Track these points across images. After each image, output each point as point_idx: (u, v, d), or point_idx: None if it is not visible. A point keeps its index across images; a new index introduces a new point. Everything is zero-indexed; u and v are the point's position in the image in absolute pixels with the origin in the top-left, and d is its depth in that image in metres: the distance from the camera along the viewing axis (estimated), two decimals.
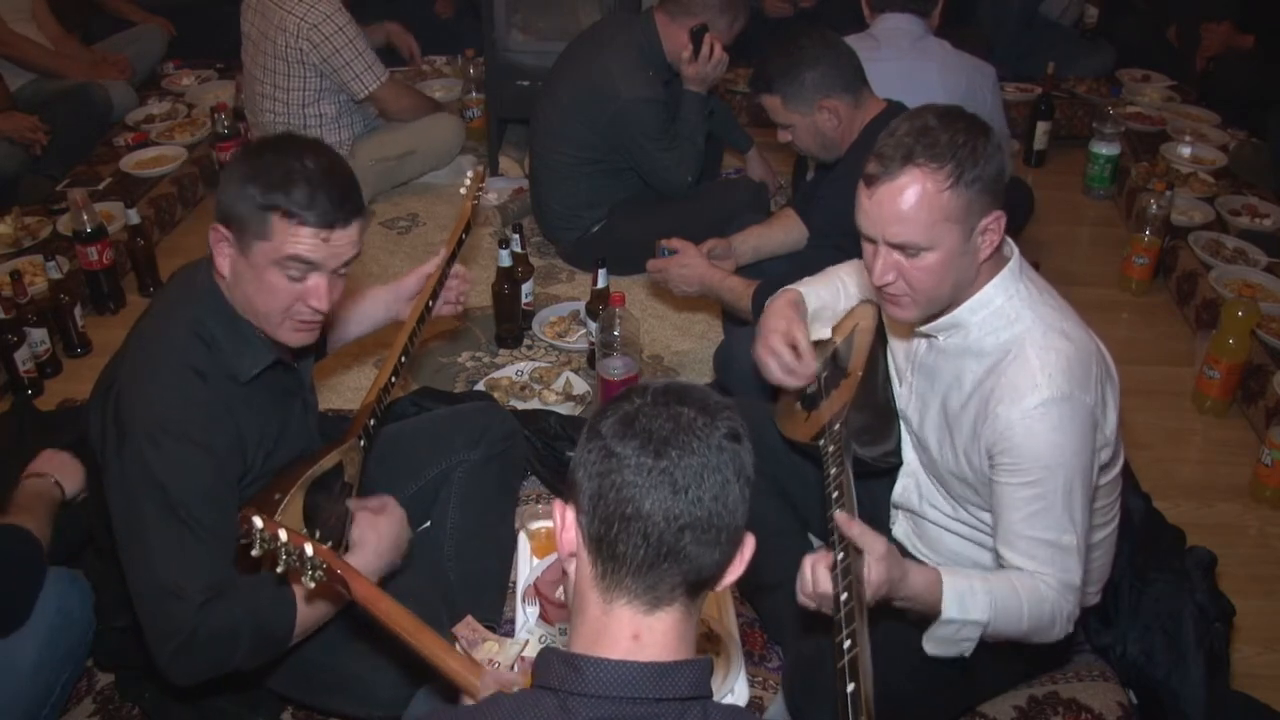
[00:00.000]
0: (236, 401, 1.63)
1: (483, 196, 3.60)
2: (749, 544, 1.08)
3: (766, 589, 1.98)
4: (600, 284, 2.76)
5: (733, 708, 1.07)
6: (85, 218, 2.93)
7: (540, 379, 2.74)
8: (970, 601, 1.45)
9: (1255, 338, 2.70)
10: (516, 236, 2.94)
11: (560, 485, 2.35)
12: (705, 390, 1.09)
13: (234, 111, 3.69)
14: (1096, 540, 1.71)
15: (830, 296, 1.95)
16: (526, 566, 2.04)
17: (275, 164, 1.54)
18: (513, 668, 1.84)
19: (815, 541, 2.07)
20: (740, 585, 2.04)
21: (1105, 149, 3.68)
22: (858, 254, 1.62)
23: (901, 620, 1.52)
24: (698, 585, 1.05)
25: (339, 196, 1.56)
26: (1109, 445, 1.57)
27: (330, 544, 1.62)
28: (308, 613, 1.61)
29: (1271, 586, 2.21)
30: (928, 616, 1.47)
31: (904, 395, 1.77)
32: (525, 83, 3.53)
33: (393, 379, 1.97)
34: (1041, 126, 3.87)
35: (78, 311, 2.90)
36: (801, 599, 1.42)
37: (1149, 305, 3.18)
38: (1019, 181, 3.36)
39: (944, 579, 1.45)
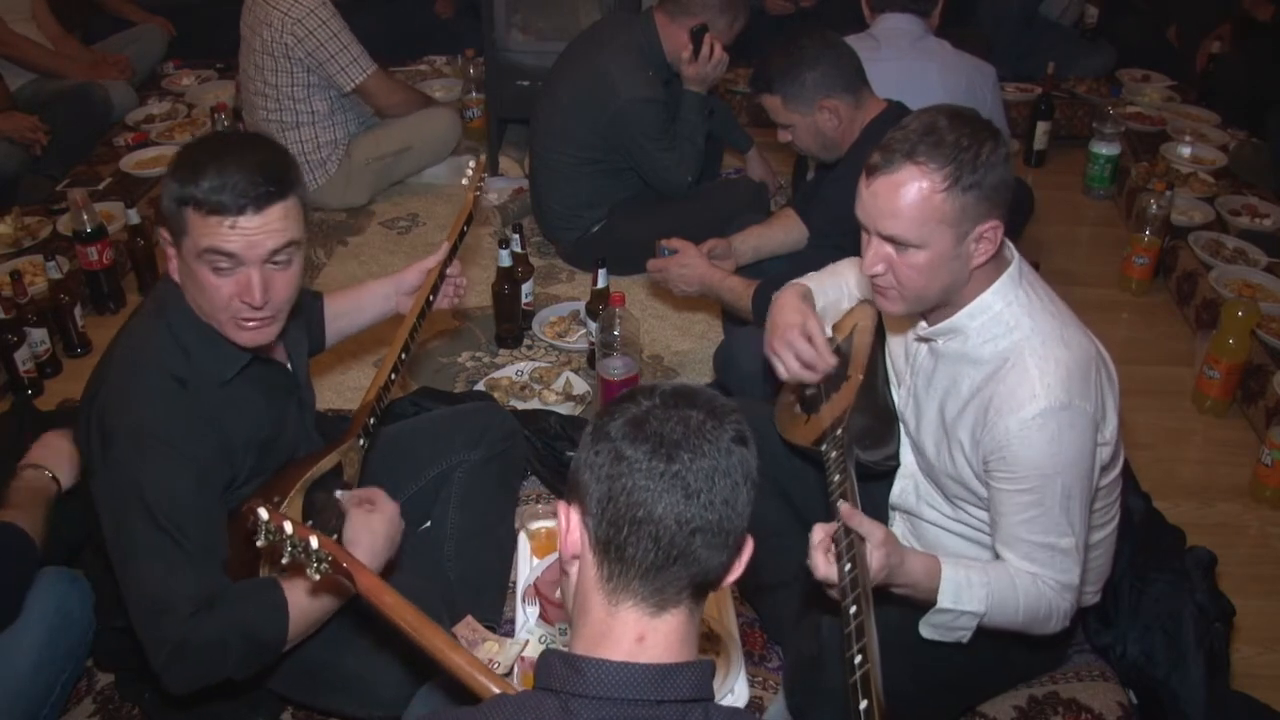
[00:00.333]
0: (221, 405, 1.61)
1: (483, 196, 3.63)
2: (748, 544, 1.09)
3: (766, 589, 1.99)
4: (600, 284, 2.76)
5: (734, 710, 1.07)
6: (85, 218, 2.93)
7: (540, 379, 2.74)
8: (966, 594, 1.47)
9: (1255, 338, 2.70)
10: (516, 236, 2.94)
11: (560, 485, 2.35)
12: (712, 393, 1.09)
13: (234, 111, 3.69)
14: (1096, 540, 1.71)
15: (835, 294, 1.96)
16: (526, 566, 2.04)
17: (193, 156, 1.49)
18: (512, 668, 1.85)
19: None
20: (740, 585, 2.04)
21: (1105, 149, 3.68)
22: (858, 253, 1.62)
23: (901, 608, 1.53)
24: (703, 587, 1.06)
25: (250, 181, 1.47)
26: (1109, 446, 1.57)
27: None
28: (303, 615, 1.60)
29: (1271, 586, 2.22)
30: (927, 603, 1.50)
31: (902, 398, 1.77)
32: (525, 83, 3.53)
33: (392, 376, 1.96)
34: (1041, 126, 3.87)
35: (78, 311, 2.90)
36: (820, 573, 1.43)
37: (1149, 305, 3.18)
38: (1019, 181, 3.35)
39: (943, 569, 1.47)
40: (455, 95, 4.14)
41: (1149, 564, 1.98)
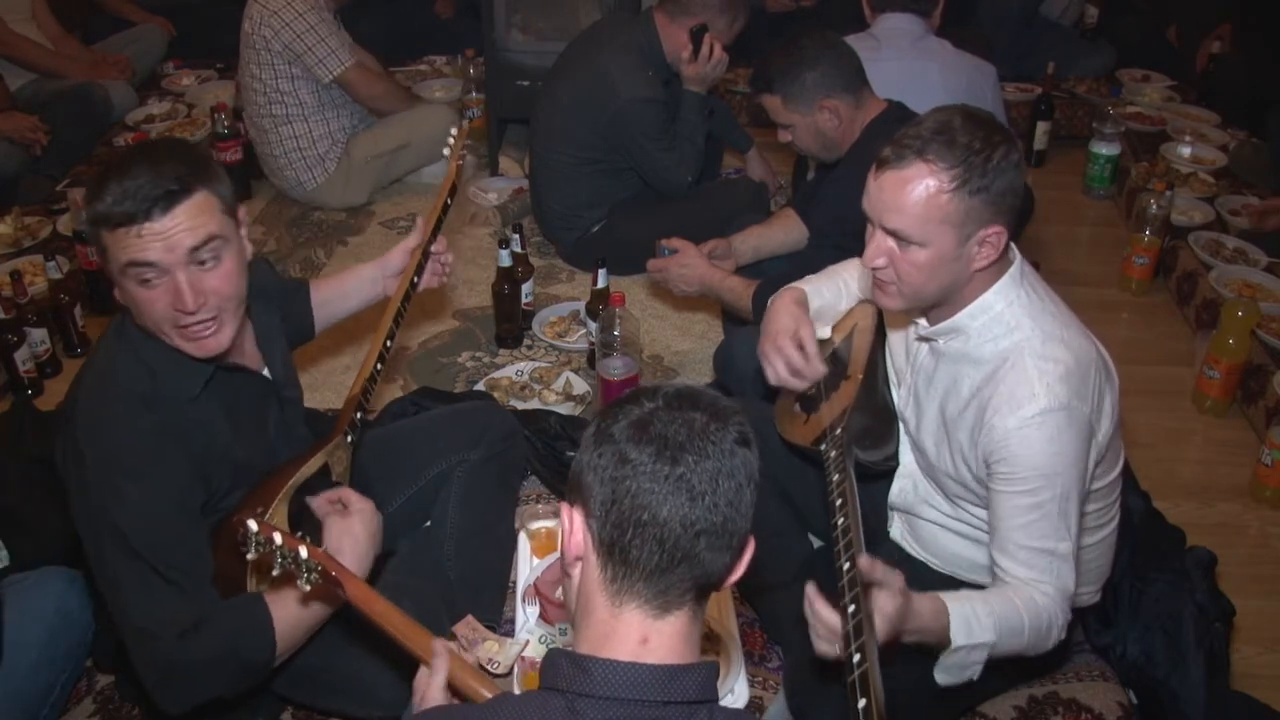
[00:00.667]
0: (192, 423, 1.58)
1: (482, 195, 3.64)
2: (750, 544, 1.08)
3: (766, 589, 1.98)
4: (600, 284, 2.76)
5: (738, 711, 1.07)
6: (85, 218, 2.93)
7: (540, 379, 2.74)
8: (976, 626, 1.44)
9: (1255, 338, 2.70)
10: (516, 236, 2.94)
11: (560, 485, 2.34)
12: (714, 394, 1.09)
13: (234, 111, 3.69)
14: (1095, 541, 1.71)
15: (833, 296, 1.95)
16: (526, 566, 2.04)
17: (98, 176, 1.45)
18: (512, 668, 1.85)
19: (815, 541, 2.07)
20: (740, 585, 2.03)
21: (1105, 149, 3.68)
22: (859, 253, 1.62)
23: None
24: (706, 588, 1.06)
25: (151, 183, 1.42)
26: (1100, 450, 1.57)
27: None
28: (290, 630, 1.59)
29: (1271, 586, 2.22)
30: (937, 647, 1.45)
31: (902, 397, 1.77)
32: (525, 83, 3.53)
33: (378, 366, 1.91)
34: (1041, 126, 3.87)
35: (78, 311, 2.90)
36: (821, 647, 1.34)
37: (1149, 305, 3.18)
38: None
39: (949, 607, 1.43)
40: (455, 95, 4.14)
41: (1149, 564, 1.98)
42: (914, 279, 1.52)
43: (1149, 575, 1.96)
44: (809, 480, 1.92)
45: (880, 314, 1.85)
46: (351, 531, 1.62)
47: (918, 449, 1.75)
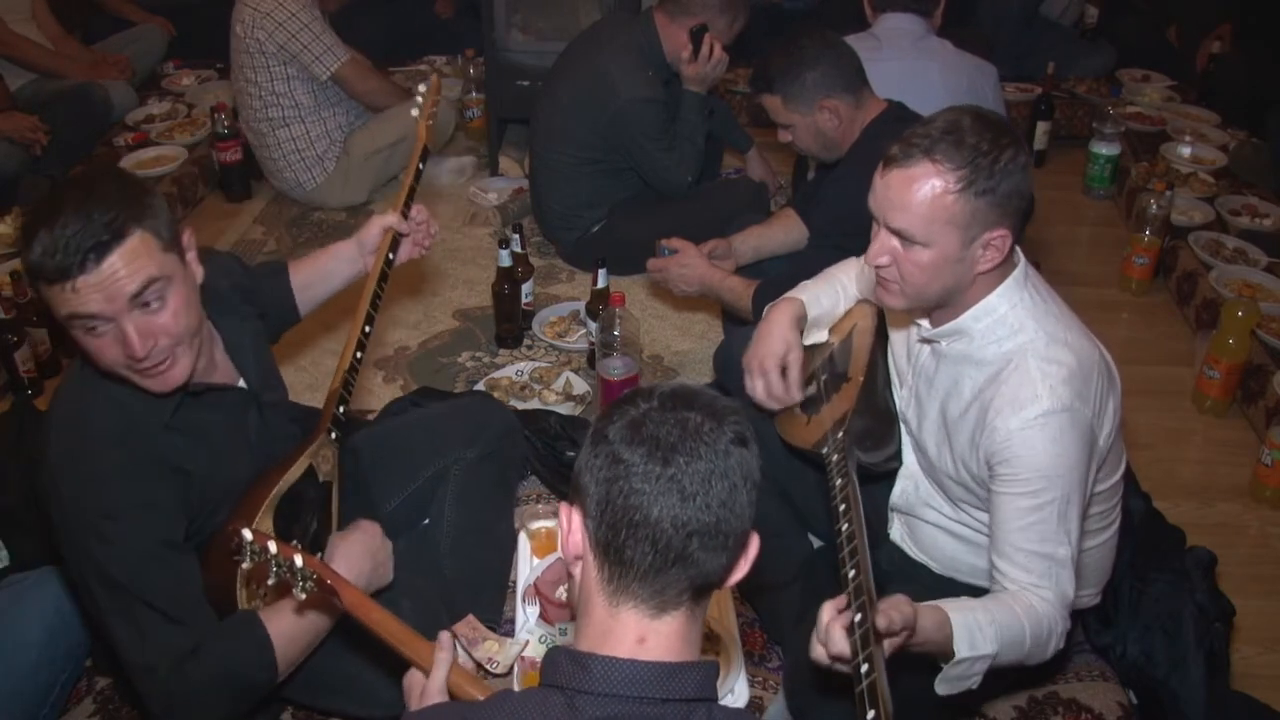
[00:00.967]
0: (167, 451, 1.55)
1: (482, 195, 3.63)
2: (754, 544, 1.08)
3: (766, 589, 1.98)
4: (600, 284, 2.76)
5: (737, 711, 1.07)
6: None
7: (540, 379, 2.74)
8: (978, 636, 1.43)
9: (1255, 338, 2.70)
10: (516, 236, 2.94)
11: (560, 485, 2.34)
12: (712, 394, 1.09)
13: (233, 111, 3.69)
14: (1096, 544, 1.71)
15: (830, 302, 1.95)
16: (526, 566, 2.04)
17: (29, 220, 1.39)
18: (512, 667, 1.85)
19: (815, 541, 2.07)
20: (740, 585, 2.03)
21: (1105, 149, 3.68)
22: (859, 253, 1.62)
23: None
24: (704, 588, 1.06)
25: (78, 234, 1.35)
26: (1101, 454, 1.57)
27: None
28: (291, 645, 1.59)
29: (1271, 586, 2.21)
30: (940, 656, 1.44)
31: (904, 398, 1.76)
32: (525, 83, 3.53)
33: (358, 355, 1.87)
34: (1041, 126, 3.87)
35: None
36: (816, 653, 1.32)
37: (1149, 305, 3.18)
38: None
39: (951, 617, 1.41)
40: (455, 95, 4.14)
41: (1149, 564, 1.98)
42: (917, 279, 1.51)
43: (1149, 575, 1.96)
44: (809, 481, 1.92)
45: (881, 314, 1.85)
46: (348, 545, 1.64)
47: (919, 450, 1.74)
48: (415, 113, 2.18)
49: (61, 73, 3.91)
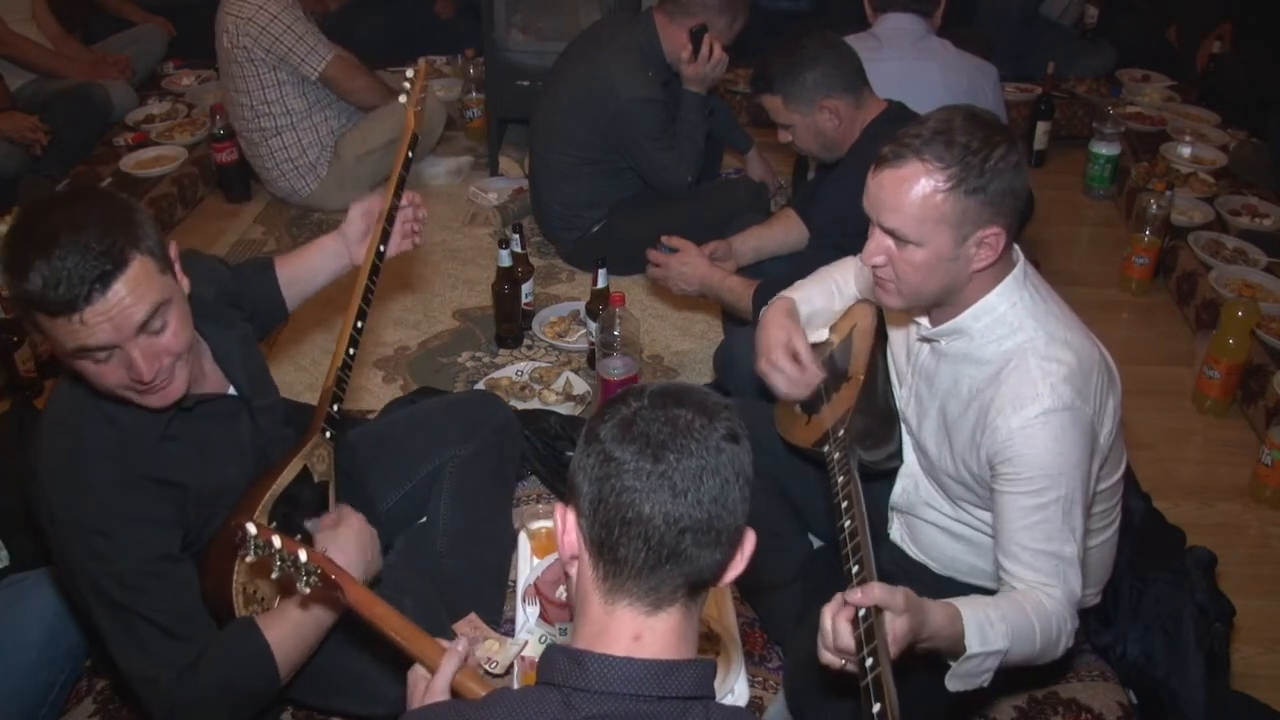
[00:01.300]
0: (160, 464, 1.53)
1: (482, 195, 3.63)
2: (749, 541, 1.09)
3: (766, 589, 1.98)
4: (600, 284, 2.76)
5: (734, 709, 1.08)
6: None
7: (540, 379, 2.74)
8: (990, 632, 1.42)
9: (1255, 338, 2.70)
10: (516, 236, 2.94)
11: (560, 485, 2.34)
12: (703, 391, 1.09)
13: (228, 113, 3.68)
14: (1097, 543, 1.71)
15: (824, 300, 1.95)
16: (526, 566, 2.04)
17: (14, 243, 1.34)
18: (511, 666, 1.85)
19: (815, 541, 2.07)
20: (740, 585, 2.04)
21: (1105, 149, 3.68)
22: (859, 253, 1.62)
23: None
24: (698, 585, 1.06)
25: (81, 265, 1.32)
26: (1102, 453, 1.57)
27: None
28: (291, 649, 1.59)
29: (1271, 586, 2.21)
30: (950, 654, 1.43)
31: (904, 397, 1.76)
32: (525, 83, 3.53)
33: (350, 352, 1.85)
34: (1041, 126, 3.87)
35: None
36: (825, 657, 1.32)
37: (1149, 305, 3.18)
38: None
39: (962, 613, 1.40)
40: (455, 95, 4.14)
41: (1149, 564, 1.98)
42: (912, 278, 1.52)
43: (1149, 575, 1.96)
44: (809, 480, 1.92)
45: (880, 314, 1.85)
46: (337, 539, 1.62)
47: (919, 449, 1.74)
48: (403, 99, 2.15)
49: (61, 73, 3.91)
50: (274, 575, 1.41)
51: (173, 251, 1.52)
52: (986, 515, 1.62)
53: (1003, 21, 4.26)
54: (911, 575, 1.79)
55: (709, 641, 1.78)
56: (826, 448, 1.69)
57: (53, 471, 1.50)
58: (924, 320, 1.63)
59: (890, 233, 1.50)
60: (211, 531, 1.63)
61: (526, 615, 1.94)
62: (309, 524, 1.69)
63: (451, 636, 1.78)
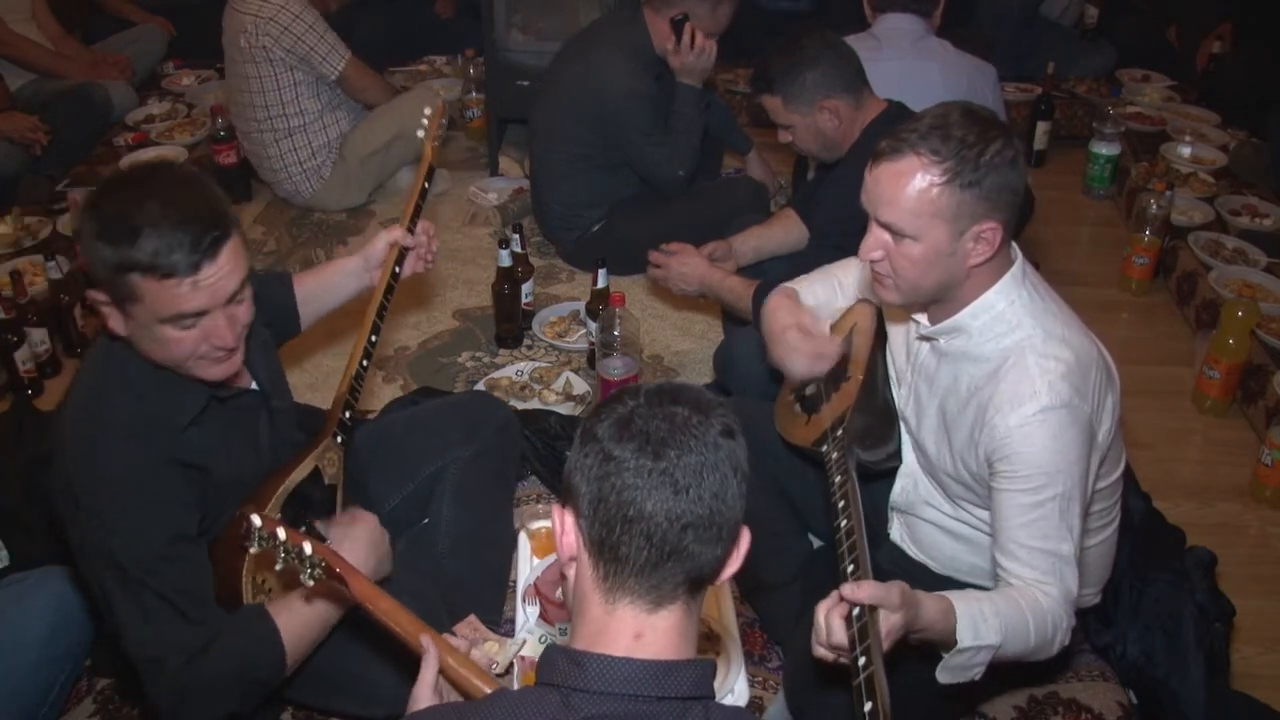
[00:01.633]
0: (184, 447, 1.56)
1: (482, 195, 3.63)
2: (745, 537, 1.09)
3: (766, 589, 1.99)
4: (600, 284, 2.76)
5: (734, 709, 1.08)
6: None
7: (540, 379, 2.74)
8: (982, 626, 1.43)
9: (1255, 338, 2.70)
10: (516, 236, 2.94)
11: (560, 485, 2.34)
12: (697, 389, 1.10)
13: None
14: (1096, 542, 1.71)
15: (826, 294, 1.96)
16: (526, 566, 2.04)
17: (115, 215, 1.40)
18: (511, 666, 1.85)
19: (815, 541, 2.07)
20: (740, 585, 2.04)
21: (1105, 149, 3.68)
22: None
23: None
24: (699, 582, 1.06)
25: (196, 230, 1.40)
26: (1100, 451, 1.57)
27: None
28: (299, 639, 1.59)
29: (1271, 586, 2.22)
30: (942, 645, 1.44)
31: (903, 396, 1.77)
32: (525, 83, 3.53)
33: (364, 364, 1.90)
34: (1041, 126, 3.87)
35: (78, 311, 2.89)
36: (819, 651, 1.35)
37: (1149, 305, 3.18)
38: None
39: (956, 607, 1.41)
40: (455, 95, 4.14)
41: (1149, 564, 1.99)
42: (909, 273, 1.52)
43: (1149, 575, 1.96)
44: (808, 480, 1.92)
45: (880, 314, 1.85)
46: (352, 534, 1.65)
47: (919, 448, 1.75)
48: (420, 134, 2.22)
49: (61, 73, 3.91)
50: (278, 567, 1.41)
51: None
52: (986, 514, 1.63)
53: (1003, 21, 4.26)
54: (911, 575, 1.78)
55: (709, 641, 1.78)
56: (824, 447, 1.69)
57: (77, 446, 1.52)
58: (923, 319, 1.64)
59: (887, 227, 1.51)
60: (225, 522, 1.64)
61: (526, 615, 1.94)
62: (320, 525, 1.71)
63: (433, 642, 1.78)
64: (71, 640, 1.82)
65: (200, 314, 1.46)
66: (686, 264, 2.54)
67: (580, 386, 2.70)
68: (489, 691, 1.27)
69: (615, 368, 2.44)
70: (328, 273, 2.05)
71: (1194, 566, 1.97)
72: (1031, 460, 1.48)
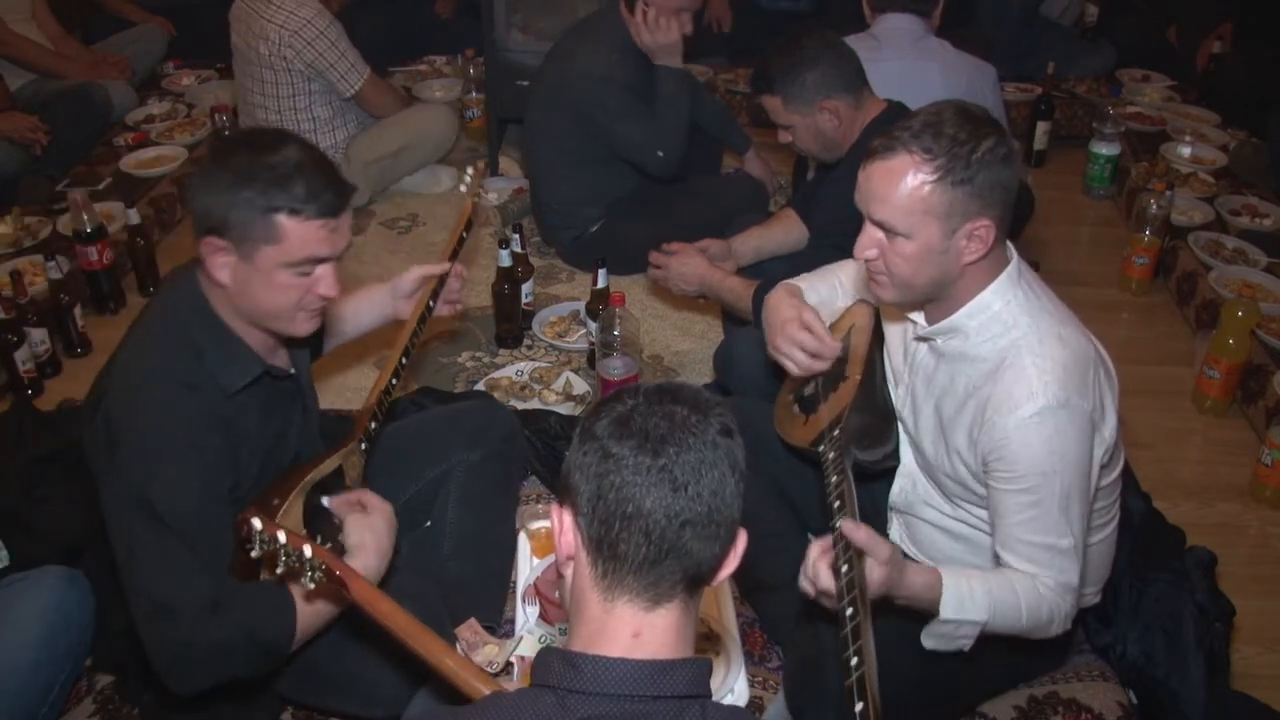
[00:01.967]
0: (228, 410, 1.61)
1: (483, 196, 3.63)
2: (742, 537, 1.09)
3: (766, 589, 1.98)
4: (600, 284, 2.76)
5: (731, 708, 1.08)
6: (85, 218, 2.93)
7: (540, 379, 2.74)
8: (969, 603, 1.46)
9: (1255, 338, 2.70)
10: (516, 236, 2.94)
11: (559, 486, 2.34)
12: (695, 388, 1.10)
13: (234, 111, 3.69)
14: (1096, 541, 1.71)
15: (828, 293, 1.96)
16: (526, 566, 2.05)
17: (262, 164, 1.50)
18: (509, 664, 1.85)
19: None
20: (740, 585, 2.04)
21: (1105, 149, 3.68)
22: None
23: (904, 619, 1.51)
24: (697, 580, 1.06)
25: (336, 183, 1.56)
26: (1107, 447, 1.57)
27: (330, 547, 1.62)
28: (309, 617, 1.60)
29: (1271, 586, 2.22)
30: (929, 613, 1.48)
31: (900, 397, 1.77)
32: (525, 83, 3.52)
33: (394, 380, 1.96)
34: (1041, 126, 3.87)
35: (78, 311, 2.90)
36: (803, 584, 1.42)
37: (1149, 305, 3.18)
38: (1019, 182, 3.36)
39: (944, 580, 1.45)
40: (455, 95, 4.14)
41: (1149, 564, 1.99)
42: (902, 270, 1.52)
43: (1149, 575, 1.96)
44: (808, 480, 1.92)
45: (878, 314, 1.85)
46: (374, 528, 1.66)
47: (916, 448, 1.75)
48: (464, 189, 2.33)
49: (61, 73, 3.91)
50: (279, 570, 1.41)
51: None
52: (984, 514, 1.63)
53: (1003, 21, 4.26)
54: None
55: (709, 641, 1.79)
56: (821, 447, 1.69)
57: (127, 392, 1.56)
58: (920, 319, 1.64)
59: (880, 225, 1.51)
60: (253, 494, 1.66)
61: (526, 615, 1.94)
62: (326, 500, 1.72)
63: (453, 640, 1.79)
64: (71, 640, 1.82)
65: (320, 261, 1.57)
66: (686, 264, 2.54)
67: (580, 386, 2.70)
68: (487, 693, 1.28)
69: (615, 368, 2.44)
70: (354, 300, 2.09)
71: (1194, 566, 1.97)
72: (1027, 461, 1.49)
